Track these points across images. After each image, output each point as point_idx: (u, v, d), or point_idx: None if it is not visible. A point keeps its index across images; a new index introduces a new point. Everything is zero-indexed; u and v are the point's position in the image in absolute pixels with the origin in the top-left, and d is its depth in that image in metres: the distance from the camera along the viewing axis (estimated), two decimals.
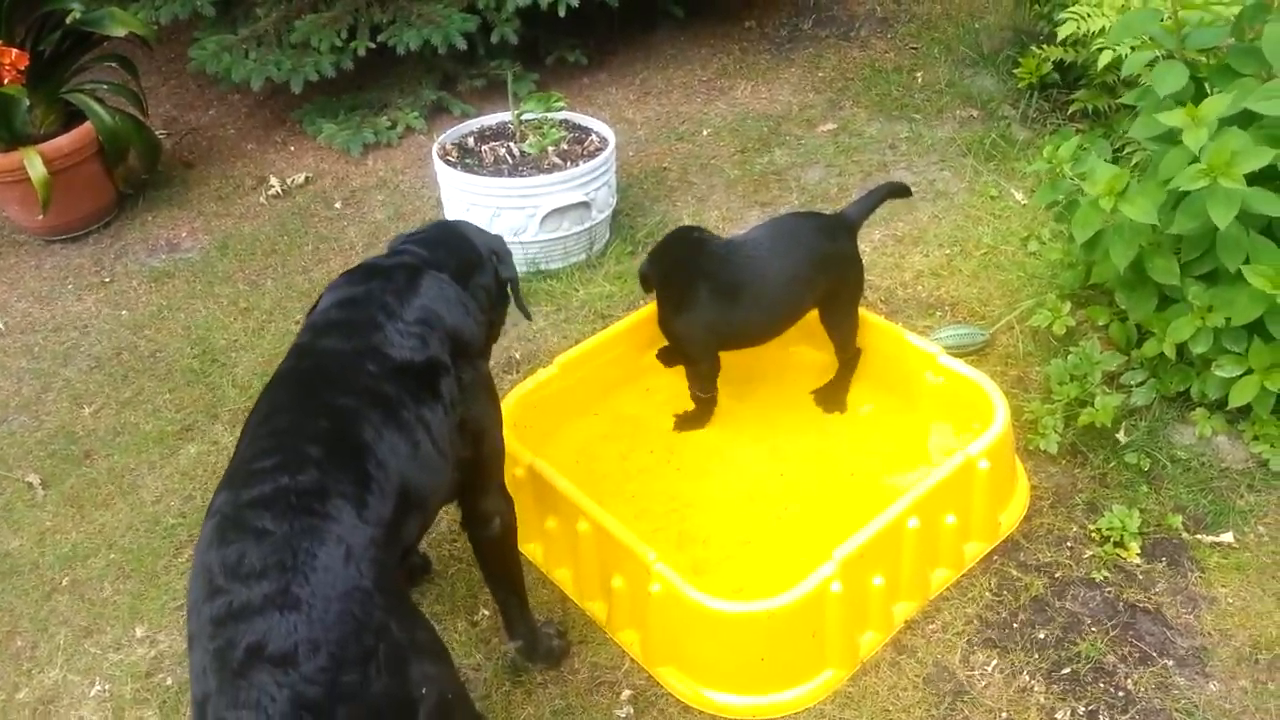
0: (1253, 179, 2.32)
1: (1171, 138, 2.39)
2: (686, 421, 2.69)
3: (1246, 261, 2.31)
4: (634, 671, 2.17)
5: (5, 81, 3.49)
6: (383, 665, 1.38)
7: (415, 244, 2.01)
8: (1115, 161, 3.25)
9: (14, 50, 3.54)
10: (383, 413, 1.67)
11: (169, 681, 2.25)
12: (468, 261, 2.03)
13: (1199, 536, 2.31)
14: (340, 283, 1.92)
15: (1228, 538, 2.30)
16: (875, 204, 2.78)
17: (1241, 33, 2.51)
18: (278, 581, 1.38)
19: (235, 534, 1.45)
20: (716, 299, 2.51)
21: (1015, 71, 3.97)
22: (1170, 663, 2.07)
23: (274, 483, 1.50)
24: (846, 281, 2.62)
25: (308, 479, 1.51)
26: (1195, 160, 2.27)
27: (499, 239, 2.19)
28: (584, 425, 2.70)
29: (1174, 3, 2.48)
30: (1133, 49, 2.80)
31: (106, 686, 2.27)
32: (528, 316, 2.23)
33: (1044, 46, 3.79)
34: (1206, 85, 2.52)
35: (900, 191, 2.85)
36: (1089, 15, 3.30)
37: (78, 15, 3.71)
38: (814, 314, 2.67)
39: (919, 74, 4.38)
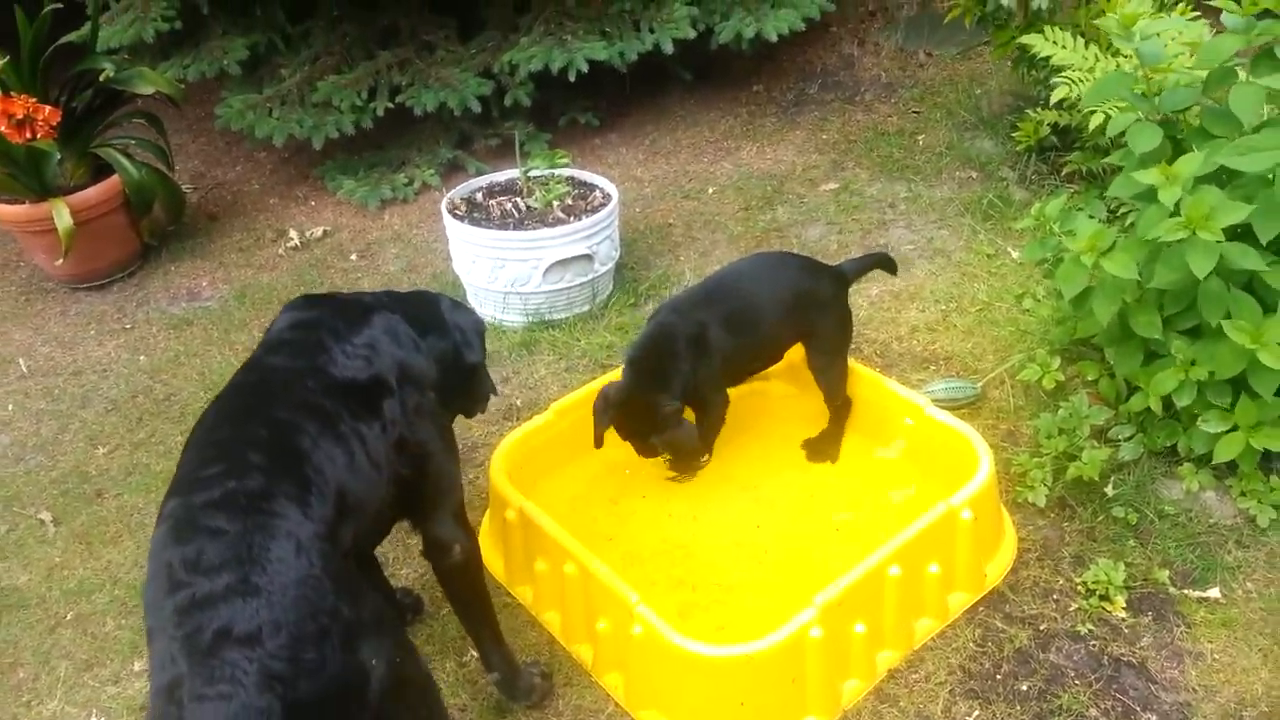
0: (1232, 236, 2.37)
1: (1151, 196, 2.45)
2: (679, 468, 2.73)
3: (1228, 316, 2.35)
4: (617, 715, 2.19)
5: (38, 136, 3.67)
6: (337, 642, 1.52)
7: (384, 294, 2.14)
8: (1109, 221, 3.33)
9: (47, 107, 3.72)
10: (319, 425, 1.78)
11: None
12: (428, 321, 2.14)
13: (1186, 591, 2.31)
14: (299, 304, 2.06)
15: (1214, 593, 2.30)
16: (868, 267, 2.95)
17: (1218, 95, 2.59)
18: (237, 573, 1.49)
19: (191, 534, 1.56)
20: (722, 333, 2.57)
21: (1014, 134, 4.06)
22: (1153, 717, 2.06)
23: (222, 487, 1.61)
24: (820, 325, 2.67)
25: (254, 483, 1.63)
26: (1173, 215, 2.33)
27: (473, 320, 2.28)
28: (577, 470, 2.74)
29: (1145, 68, 2.56)
30: (1119, 110, 2.88)
31: (103, 719, 2.31)
32: (494, 392, 2.37)
33: (1040, 110, 3.88)
34: (1184, 145, 2.58)
35: (886, 264, 2.99)
36: (1081, 80, 3.39)
37: (110, 74, 3.90)
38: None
39: (920, 137, 4.49)
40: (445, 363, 2.14)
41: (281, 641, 1.45)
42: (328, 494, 1.70)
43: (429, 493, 2.02)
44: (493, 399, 3.13)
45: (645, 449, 2.59)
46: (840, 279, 2.75)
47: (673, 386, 2.50)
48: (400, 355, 1.99)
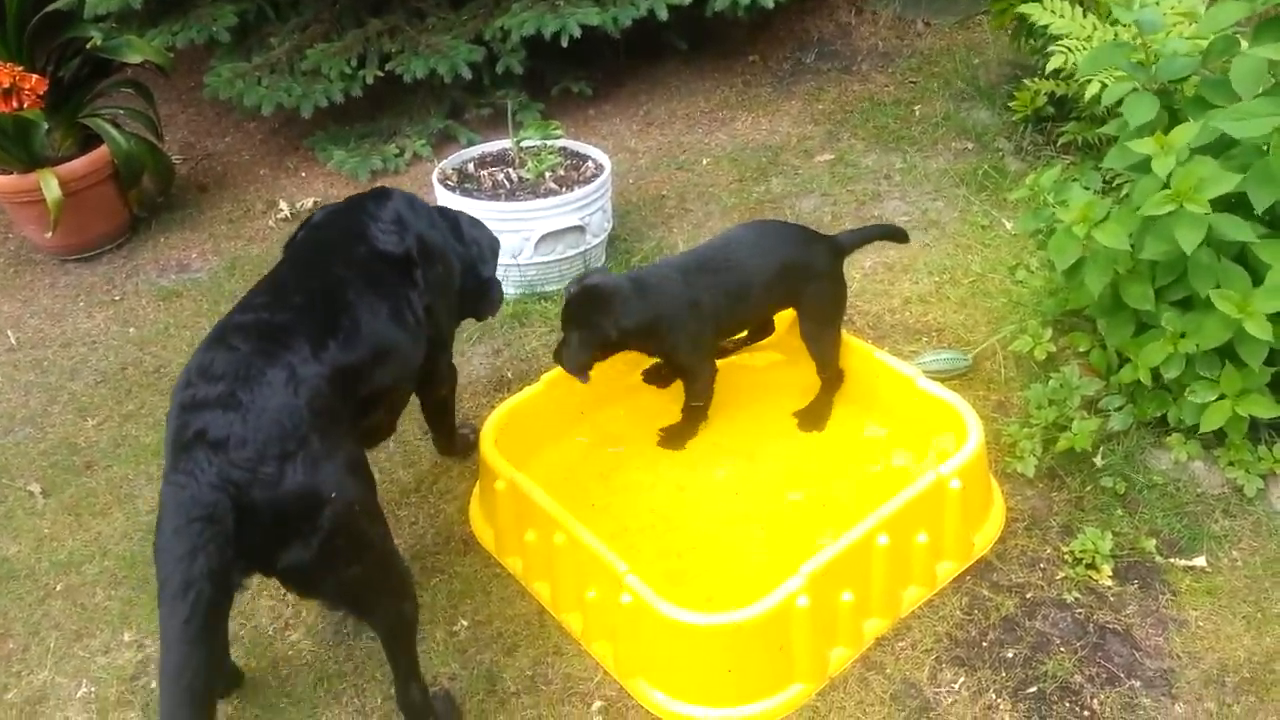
0: (1226, 205, 2.35)
1: (1146, 166, 2.43)
2: (671, 438, 2.74)
3: (1217, 287, 2.33)
4: (606, 683, 2.20)
5: (25, 106, 3.63)
6: (299, 466, 1.73)
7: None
8: (1105, 192, 3.31)
9: (34, 76, 3.68)
10: (370, 281, 2.09)
11: (153, 684, 2.30)
12: (444, 225, 2.46)
13: (1172, 560, 2.32)
14: (328, 207, 2.38)
15: (1200, 562, 2.31)
16: (870, 239, 2.90)
17: (1217, 65, 2.56)
18: (230, 386, 1.75)
19: (215, 347, 1.84)
20: (712, 299, 2.57)
21: (1011, 105, 4.03)
22: (1137, 683, 2.07)
23: (257, 314, 1.92)
24: (807, 294, 2.65)
25: (283, 317, 1.92)
26: (1165, 187, 2.31)
27: (489, 236, 2.58)
28: (569, 441, 2.75)
29: (1142, 36, 2.53)
30: (1115, 79, 2.85)
31: (93, 689, 2.32)
32: (501, 299, 2.68)
33: (1037, 80, 3.85)
34: (1181, 115, 2.56)
35: (896, 236, 2.92)
36: (1078, 49, 3.36)
37: (98, 42, 3.85)
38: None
39: (917, 107, 4.45)
40: (463, 269, 2.46)
41: (246, 454, 1.69)
42: (357, 343, 1.96)
43: (437, 350, 2.36)
44: (484, 370, 3.17)
45: (566, 341, 2.56)
46: (835, 249, 2.72)
47: (632, 310, 2.50)
48: (420, 228, 2.29)
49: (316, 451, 1.75)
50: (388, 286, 2.11)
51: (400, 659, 2.03)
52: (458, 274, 2.45)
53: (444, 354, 2.47)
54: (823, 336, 2.69)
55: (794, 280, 2.63)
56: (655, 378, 2.83)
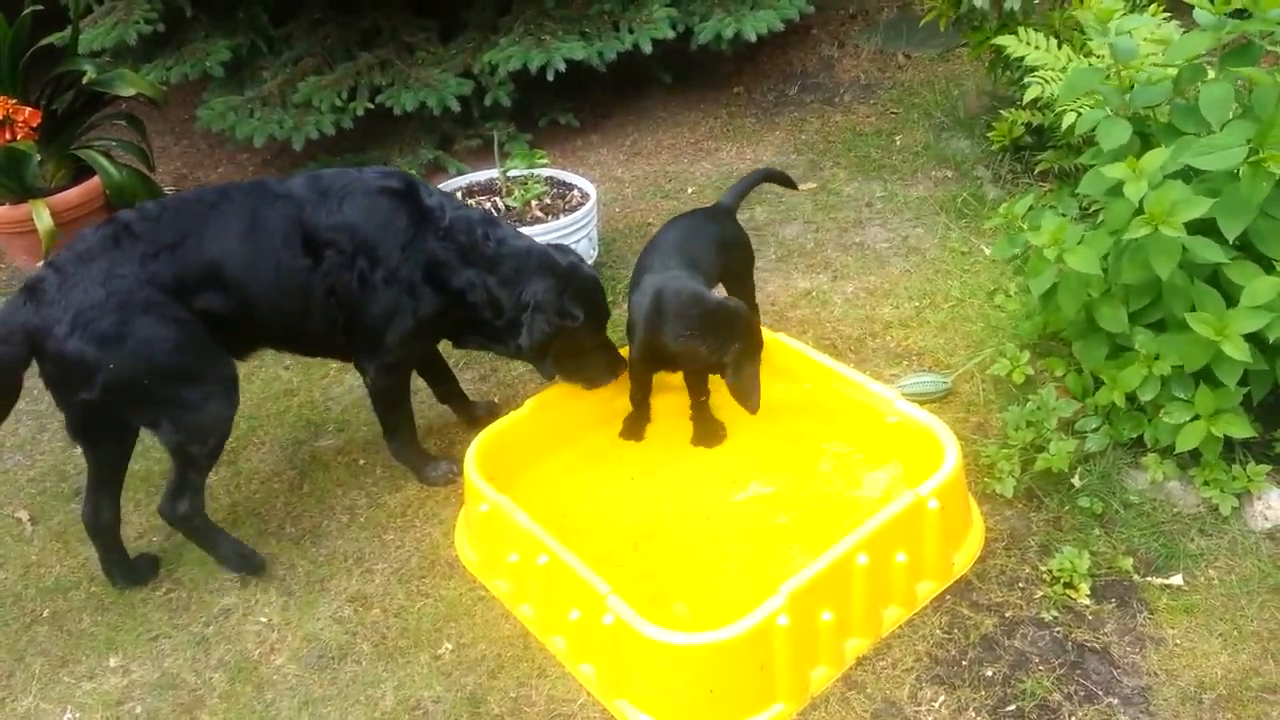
0: (1197, 228, 2.40)
1: (1119, 192, 2.49)
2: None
3: (1192, 309, 2.38)
4: (590, 705, 2.21)
5: (18, 137, 3.68)
6: (84, 337, 2.24)
7: (523, 246, 2.69)
8: (1082, 219, 3.37)
9: (27, 109, 3.73)
10: (248, 227, 2.43)
11: (138, 710, 2.31)
12: (506, 274, 2.61)
13: (1149, 579, 2.35)
14: (385, 172, 2.65)
15: (1177, 580, 2.33)
16: (748, 188, 3.18)
17: (1187, 92, 2.63)
18: (70, 260, 2.31)
19: (93, 228, 2.39)
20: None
21: (989, 134, 4.10)
22: (1115, 701, 2.09)
23: (129, 218, 2.40)
24: (737, 256, 2.98)
25: (141, 226, 2.37)
26: (1139, 211, 2.37)
27: (582, 294, 2.65)
28: (553, 463, 2.77)
29: (1117, 63, 2.60)
30: (1090, 108, 2.92)
31: (77, 714, 2.32)
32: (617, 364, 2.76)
33: (1014, 110, 3.92)
34: (1153, 141, 2.62)
35: (777, 178, 3.30)
36: (1054, 79, 3.43)
37: (92, 76, 3.91)
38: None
39: (898, 137, 4.53)
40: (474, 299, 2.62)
41: (53, 311, 2.24)
42: (193, 265, 2.37)
43: (356, 337, 2.61)
44: (471, 395, 3.18)
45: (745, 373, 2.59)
46: (730, 213, 3.03)
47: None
48: (369, 233, 2.49)
49: (104, 331, 2.24)
50: (265, 240, 2.43)
51: (174, 472, 2.47)
52: (396, 290, 2.54)
53: (365, 344, 2.61)
54: (746, 287, 3.01)
55: (727, 249, 2.91)
56: (631, 433, 2.86)
